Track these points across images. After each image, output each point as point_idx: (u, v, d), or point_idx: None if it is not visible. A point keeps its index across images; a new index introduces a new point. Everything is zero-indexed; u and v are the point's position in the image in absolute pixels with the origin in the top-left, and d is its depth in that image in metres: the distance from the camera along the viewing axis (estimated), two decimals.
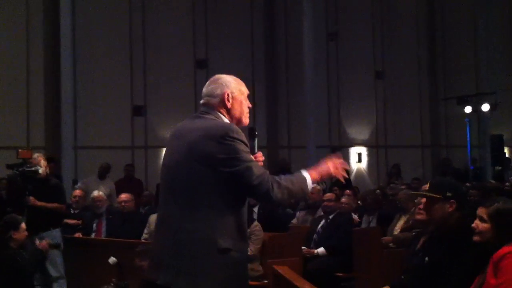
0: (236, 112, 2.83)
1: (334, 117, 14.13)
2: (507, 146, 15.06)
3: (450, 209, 3.44)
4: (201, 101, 2.87)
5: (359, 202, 8.78)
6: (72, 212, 7.68)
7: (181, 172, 2.68)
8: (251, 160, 2.67)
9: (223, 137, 2.63)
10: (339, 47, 14.20)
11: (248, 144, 2.73)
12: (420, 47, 15.28)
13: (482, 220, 3.00)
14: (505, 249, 2.85)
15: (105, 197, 7.50)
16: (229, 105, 2.81)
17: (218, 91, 2.82)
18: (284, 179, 2.71)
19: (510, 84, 16.31)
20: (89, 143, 11.54)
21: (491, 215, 2.97)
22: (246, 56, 13.07)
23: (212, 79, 2.90)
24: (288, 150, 13.51)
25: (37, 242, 5.71)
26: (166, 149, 2.87)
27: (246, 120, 2.87)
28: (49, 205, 6.24)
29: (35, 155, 6.29)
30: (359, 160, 14.31)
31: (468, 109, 13.49)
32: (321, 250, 6.48)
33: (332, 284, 6.27)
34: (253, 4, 13.42)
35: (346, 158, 14.18)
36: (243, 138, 2.69)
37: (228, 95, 2.81)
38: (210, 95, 2.83)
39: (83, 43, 11.63)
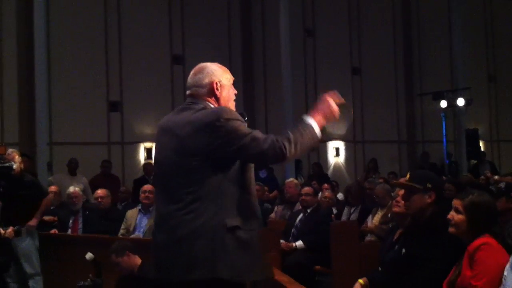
0: (224, 100, 2.81)
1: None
2: (482, 140, 15.28)
3: (429, 200, 3.48)
4: (188, 92, 2.82)
5: (337, 196, 8.84)
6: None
7: (174, 168, 2.64)
8: (251, 131, 2.63)
9: (215, 122, 2.59)
10: (316, 43, 14.24)
11: (242, 119, 2.69)
12: (396, 43, 15.39)
13: (457, 211, 3.03)
14: (480, 241, 2.89)
15: (80, 193, 7.42)
16: (218, 93, 2.79)
17: (206, 80, 2.79)
18: (292, 133, 2.65)
19: (485, 79, 16.57)
20: (64, 139, 11.39)
21: (466, 206, 3.00)
22: (223, 52, 13.01)
23: (197, 68, 2.85)
24: None
25: (1, 230, 5.61)
26: (156, 144, 2.83)
27: (233, 107, 2.84)
28: (46, 218, 6.24)
29: (9, 150, 6.18)
30: (337, 155, 14.39)
31: (443, 104, 13.63)
32: (299, 243, 6.50)
33: (310, 277, 6.30)
34: (230, 0, 13.37)
35: (324, 153, 14.26)
36: (236, 115, 2.67)
37: (216, 83, 2.79)
38: (198, 85, 2.79)
39: (57, 38, 11.47)
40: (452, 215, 3.04)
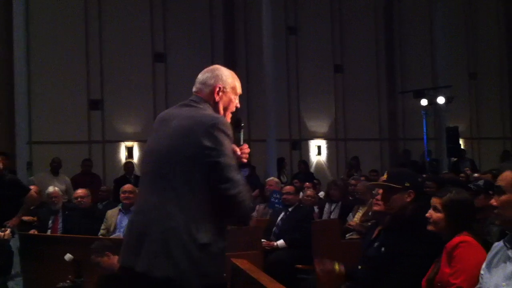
0: (222, 107, 2.80)
1: (294, 111, 14.19)
2: (462, 137, 15.41)
3: (409, 199, 3.49)
4: (194, 88, 2.82)
5: (319, 194, 8.86)
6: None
7: (172, 157, 2.62)
8: (233, 160, 2.62)
9: (212, 127, 2.58)
10: (298, 41, 14.26)
11: (233, 138, 2.68)
12: (378, 41, 15.47)
13: (436, 209, 3.05)
14: (458, 238, 2.91)
15: (60, 193, 7.36)
16: (217, 98, 2.77)
17: (212, 81, 2.78)
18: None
19: (465, 77, 16.72)
20: (44, 138, 11.28)
21: (444, 204, 3.02)
22: (205, 49, 12.97)
23: (210, 67, 2.86)
24: (248, 144, 13.45)
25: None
26: (153, 134, 2.79)
27: (228, 118, 2.82)
28: (26, 218, 6.14)
29: None
30: (319, 153, 14.43)
31: (424, 102, 13.73)
32: (280, 242, 6.51)
33: (292, 276, 6.30)
34: None
35: (306, 151, 14.29)
36: (230, 133, 2.66)
37: (219, 88, 2.78)
38: (204, 83, 2.79)
39: (37, 36, 11.35)
40: (431, 213, 3.06)
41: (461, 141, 15.00)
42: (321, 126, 14.60)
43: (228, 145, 2.62)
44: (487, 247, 2.79)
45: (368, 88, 15.19)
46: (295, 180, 10.15)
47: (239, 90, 2.85)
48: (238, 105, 2.87)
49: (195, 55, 12.62)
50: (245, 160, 2.85)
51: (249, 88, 13.51)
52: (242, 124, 2.86)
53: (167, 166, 2.63)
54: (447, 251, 2.92)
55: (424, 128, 13.87)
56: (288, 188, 7.03)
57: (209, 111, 2.74)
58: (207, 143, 2.56)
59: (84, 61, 11.82)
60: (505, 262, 2.42)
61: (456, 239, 2.90)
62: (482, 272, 2.55)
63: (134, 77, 12.11)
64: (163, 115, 2.83)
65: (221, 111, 2.79)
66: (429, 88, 14.13)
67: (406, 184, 3.47)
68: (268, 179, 8.18)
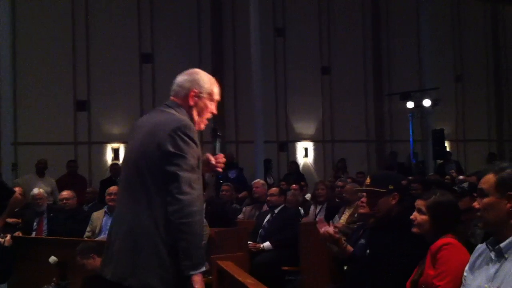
0: (196, 113, 2.78)
1: (281, 112, 14.20)
2: (448, 140, 15.51)
3: (394, 202, 3.52)
4: (171, 91, 2.81)
5: (305, 196, 8.86)
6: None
7: (136, 169, 2.63)
8: (193, 169, 2.58)
9: (174, 131, 2.57)
10: (286, 42, 14.28)
11: (198, 144, 2.66)
12: (365, 43, 15.53)
13: (420, 212, 3.06)
14: (442, 241, 2.92)
15: (45, 195, 7.30)
16: (191, 102, 2.76)
17: (188, 85, 2.77)
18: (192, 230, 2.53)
19: (452, 79, 16.84)
20: (29, 139, 11.19)
21: (428, 207, 3.03)
22: (192, 50, 12.95)
23: (190, 70, 2.85)
24: (235, 145, 13.49)
25: (0, 239, 5.52)
26: (127, 144, 2.85)
27: (202, 125, 2.81)
28: (10, 220, 6.12)
29: None
30: (306, 155, 14.45)
31: (410, 105, 13.81)
32: (266, 244, 6.50)
33: (279, 277, 6.30)
34: None
35: (293, 152, 14.31)
36: (194, 136, 2.63)
37: (195, 92, 2.76)
38: (180, 85, 2.79)
39: (23, 35, 11.27)
40: (416, 215, 3.07)
41: (447, 143, 15.11)
42: (308, 128, 14.63)
43: (191, 149, 2.58)
44: (471, 249, 2.79)
45: (355, 90, 15.24)
46: (282, 182, 10.16)
47: (216, 96, 2.83)
48: (215, 111, 2.84)
49: (183, 56, 12.59)
50: (220, 170, 2.84)
51: (236, 90, 13.52)
52: (219, 134, 2.85)
53: (137, 174, 2.63)
54: (431, 253, 2.93)
55: (410, 131, 13.95)
56: (273, 190, 7.04)
57: (178, 114, 2.71)
58: (168, 148, 2.55)
59: (70, 61, 11.75)
60: (487, 264, 2.43)
61: (440, 241, 2.91)
62: (465, 274, 2.56)
63: (121, 78, 12.05)
64: (137, 122, 2.84)
65: (195, 116, 2.77)
66: (415, 90, 14.22)
67: (390, 187, 3.50)
68: (254, 181, 8.16)
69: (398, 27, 15.93)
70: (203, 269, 2.54)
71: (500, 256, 2.36)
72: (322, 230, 3.76)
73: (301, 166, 14.18)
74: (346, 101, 14.94)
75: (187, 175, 2.53)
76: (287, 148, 14.26)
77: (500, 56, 17.96)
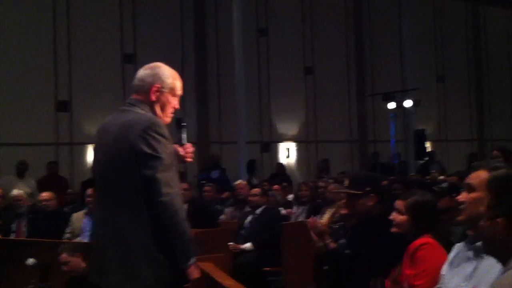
0: (159, 108, 2.74)
1: (264, 113, 14.20)
2: (430, 140, 15.63)
3: (371, 203, 3.53)
4: (133, 89, 2.76)
5: (287, 197, 8.86)
6: None
7: (114, 172, 2.60)
8: (169, 168, 2.55)
9: (145, 131, 2.54)
10: (269, 42, 14.29)
11: (170, 138, 2.65)
12: (348, 44, 15.60)
13: (399, 212, 3.07)
14: (420, 241, 2.93)
15: (25, 196, 7.23)
16: (153, 97, 2.71)
17: (150, 80, 2.72)
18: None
19: (433, 80, 16.98)
20: (10, 140, 11.05)
21: (407, 207, 3.04)
22: (175, 51, 12.90)
23: (151, 64, 2.79)
24: (219, 146, 13.47)
25: None
26: (95, 146, 2.80)
27: (167, 119, 2.78)
28: None
29: None
30: (288, 156, 14.47)
31: (392, 105, 13.89)
32: (248, 245, 6.49)
33: (260, 278, 6.29)
34: None
35: (275, 153, 14.31)
36: (165, 133, 2.61)
37: (157, 88, 2.71)
38: (142, 79, 2.73)
39: (3, 35, 11.13)
40: (394, 215, 3.08)
41: (428, 144, 15.23)
42: (292, 128, 14.65)
43: (164, 147, 2.56)
44: (450, 247, 2.81)
45: (338, 90, 15.30)
46: (265, 182, 10.15)
47: (179, 91, 2.79)
48: (177, 106, 2.80)
49: (165, 56, 12.49)
50: (189, 160, 2.82)
51: (220, 90, 13.50)
52: (184, 124, 2.82)
53: (114, 178, 2.61)
54: (409, 253, 2.94)
55: (392, 131, 14.03)
56: (255, 190, 7.03)
57: (144, 112, 2.68)
58: (142, 149, 2.52)
59: (51, 61, 11.62)
60: (465, 263, 2.44)
61: (418, 241, 2.93)
62: (443, 272, 2.57)
63: (102, 78, 11.96)
64: (103, 125, 2.79)
65: (158, 112, 2.73)
66: (397, 91, 14.31)
67: (367, 189, 3.51)
68: (237, 182, 8.14)
69: (380, 28, 16.02)
70: (195, 260, 2.54)
71: (477, 254, 2.37)
72: (310, 219, 3.81)
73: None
74: (329, 101, 14.99)
75: (164, 175, 2.51)
76: (271, 149, 14.26)
77: (481, 56, 18.16)
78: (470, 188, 2.40)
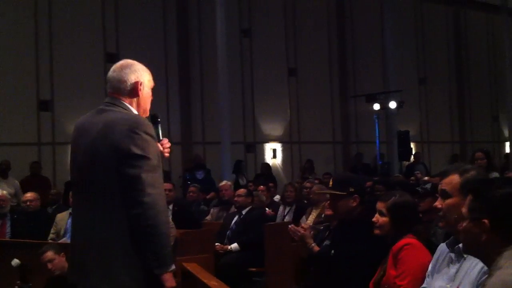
0: (143, 103, 2.75)
1: (248, 114, 14.22)
2: (413, 141, 15.77)
3: (354, 204, 3.57)
4: (109, 86, 2.73)
5: (274, 198, 8.89)
6: None
7: (93, 172, 2.57)
8: (155, 169, 2.55)
9: (132, 130, 2.53)
10: (252, 43, 14.31)
11: (156, 138, 2.66)
12: (331, 45, 15.68)
13: (381, 214, 3.11)
14: (403, 241, 2.97)
15: (8, 197, 7.18)
16: (140, 94, 2.72)
17: (133, 77, 2.71)
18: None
19: (415, 82, 17.13)
20: None
21: (388, 208, 3.08)
22: (158, 50, 12.87)
23: (123, 63, 2.77)
24: (202, 146, 13.46)
25: None
26: (72, 146, 2.74)
27: (147, 113, 2.80)
28: None
29: None
30: (274, 156, 14.50)
31: (376, 107, 13.99)
32: (234, 246, 6.50)
33: (244, 279, 6.31)
34: None
35: (261, 154, 14.34)
36: (152, 132, 2.62)
37: (141, 84, 2.72)
38: (123, 80, 2.70)
39: None
40: (377, 218, 3.12)
41: (412, 145, 15.36)
42: (276, 129, 14.69)
43: (152, 147, 2.57)
44: (433, 248, 2.86)
45: (322, 91, 15.38)
46: (250, 183, 10.17)
47: (152, 82, 2.82)
48: (152, 97, 2.83)
49: (148, 56, 12.45)
50: (167, 155, 2.81)
51: (203, 90, 13.49)
52: (159, 119, 2.83)
53: (91, 177, 2.58)
54: (392, 253, 2.98)
55: (377, 132, 14.13)
56: (240, 191, 7.05)
57: (127, 111, 2.67)
58: (129, 149, 2.51)
59: (33, 60, 11.51)
60: (448, 265, 2.48)
61: (401, 242, 2.97)
62: (428, 273, 2.61)
63: (85, 78, 11.86)
64: (80, 125, 2.74)
65: (144, 107, 2.74)
66: (380, 93, 14.42)
67: (350, 190, 3.55)
68: (221, 183, 8.14)
69: (363, 30, 16.14)
70: (172, 267, 2.52)
71: (460, 256, 2.40)
72: (290, 226, 3.85)
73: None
74: (312, 102, 15.06)
75: (149, 175, 2.50)
76: (255, 149, 14.29)
77: (462, 59, 18.37)
78: (445, 195, 2.43)
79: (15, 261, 5.13)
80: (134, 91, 2.71)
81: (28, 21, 11.52)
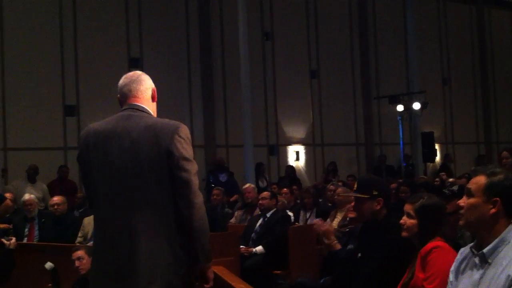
0: (156, 108, 2.87)
1: (271, 116, 14.23)
2: (437, 142, 15.64)
3: (378, 207, 3.56)
4: (128, 93, 2.78)
5: (298, 200, 8.89)
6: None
7: (132, 175, 2.59)
8: (197, 173, 2.67)
9: (179, 134, 2.60)
10: (274, 46, 14.33)
11: None
12: (353, 47, 15.62)
13: (409, 216, 3.09)
14: (431, 244, 2.96)
15: (36, 200, 7.28)
16: (155, 99, 2.85)
17: (149, 83, 2.83)
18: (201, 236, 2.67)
19: (439, 82, 16.98)
20: (19, 145, 11.13)
21: (416, 211, 3.07)
22: (181, 55, 12.96)
23: (135, 73, 2.85)
24: (225, 149, 13.51)
25: (5, 241, 5.52)
26: (101, 151, 2.67)
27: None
28: (1, 226, 6.24)
29: None
30: (297, 159, 14.49)
31: (400, 108, 13.90)
32: (259, 248, 6.52)
33: (269, 281, 6.32)
34: (187, 3, 13.33)
35: (285, 157, 14.34)
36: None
37: (155, 90, 2.85)
38: (144, 89, 2.78)
39: (11, 41, 11.22)
40: (405, 220, 3.10)
41: (436, 146, 15.23)
42: (298, 131, 14.68)
43: (191, 150, 2.68)
44: (459, 250, 2.83)
45: (344, 93, 15.32)
46: (273, 186, 10.19)
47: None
48: None
49: (171, 60, 12.60)
50: None
51: (226, 94, 13.55)
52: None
53: (134, 181, 2.60)
54: (421, 256, 2.97)
55: (401, 133, 14.04)
56: (264, 193, 7.05)
57: (153, 116, 2.79)
58: (179, 153, 2.59)
59: (59, 66, 11.70)
60: (471, 270, 2.42)
61: (430, 245, 2.95)
62: (450, 278, 2.56)
63: (109, 82, 11.92)
64: (104, 130, 2.72)
65: (155, 111, 2.85)
66: (403, 94, 14.33)
67: (374, 193, 3.54)
68: (245, 186, 8.15)
69: (385, 31, 16.04)
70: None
71: (484, 261, 2.36)
72: (315, 220, 3.88)
73: None
74: (335, 104, 15.01)
75: (195, 178, 2.65)
76: (277, 152, 14.30)
77: (486, 58, 18.14)
78: (469, 194, 2.42)
79: (49, 264, 5.19)
80: (153, 96, 2.83)
81: (54, 28, 11.71)
